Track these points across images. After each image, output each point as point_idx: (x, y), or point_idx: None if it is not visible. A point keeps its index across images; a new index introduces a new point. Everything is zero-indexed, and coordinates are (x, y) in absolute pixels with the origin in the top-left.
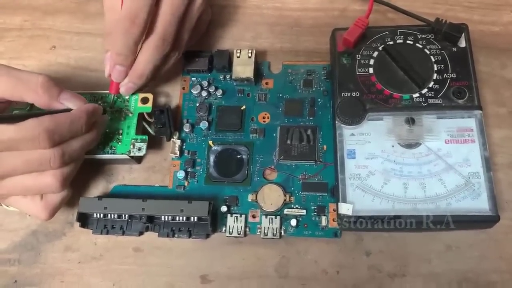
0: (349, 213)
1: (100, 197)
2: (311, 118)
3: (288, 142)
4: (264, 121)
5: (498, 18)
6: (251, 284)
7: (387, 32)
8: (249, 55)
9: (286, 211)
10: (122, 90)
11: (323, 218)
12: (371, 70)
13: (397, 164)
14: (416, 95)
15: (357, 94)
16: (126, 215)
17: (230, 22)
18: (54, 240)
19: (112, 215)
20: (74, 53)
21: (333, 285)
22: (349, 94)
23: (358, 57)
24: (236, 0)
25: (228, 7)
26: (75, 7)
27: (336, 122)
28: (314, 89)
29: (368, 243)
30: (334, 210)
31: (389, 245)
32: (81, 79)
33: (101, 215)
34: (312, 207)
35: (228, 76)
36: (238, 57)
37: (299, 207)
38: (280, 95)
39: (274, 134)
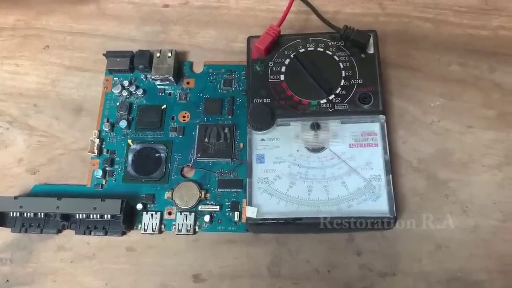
0: (254, 216)
1: (16, 196)
2: (229, 116)
3: (206, 140)
4: (184, 120)
5: (487, 22)
6: (244, 283)
7: (299, 40)
8: (169, 55)
9: (200, 207)
10: None
11: (236, 213)
12: (282, 77)
13: (302, 168)
14: (323, 101)
15: (268, 100)
16: (42, 214)
17: (224, 23)
18: (47, 240)
19: (29, 214)
20: (68, 53)
21: (325, 284)
22: (260, 101)
23: (271, 64)
24: (229, 2)
25: (220, 9)
26: (69, 7)
27: (247, 128)
28: (233, 88)
29: (359, 242)
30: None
31: (380, 244)
32: (73, 79)
33: (18, 214)
34: (227, 203)
35: (149, 76)
36: (158, 57)
37: (214, 203)
38: (201, 94)
39: (193, 133)
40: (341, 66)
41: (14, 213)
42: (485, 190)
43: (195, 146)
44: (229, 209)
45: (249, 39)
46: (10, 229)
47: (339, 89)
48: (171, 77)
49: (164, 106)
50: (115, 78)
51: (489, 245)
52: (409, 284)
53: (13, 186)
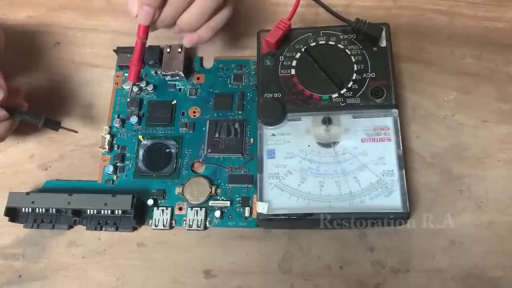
0: (264, 211)
1: (28, 192)
2: (240, 112)
3: (216, 135)
4: (194, 115)
5: (502, 14)
6: (255, 279)
7: (310, 33)
8: (179, 50)
9: (211, 203)
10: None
11: (247, 209)
12: (293, 71)
13: (314, 163)
14: (335, 95)
15: (279, 95)
16: (53, 209)
17: (234, 17)
18: (59, 235)
19: (40, 209)
20: (78, 49)
21: (337, 280)
22: (271, 95)
23: (281, 58)
24: None
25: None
26: (79, 3)
27: (258, 123)
28: (244, 83)
29: (372, 238)
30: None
31: (393, 240)
32: (84, 75)
33: (30, 210)
34: (237, 199)
35: (159, 71)
36: (168, 52)
37: (224, 199)
38: (211, 89)
39: (203, 128)
40: (353, 60)
41: (26, 209)
42: (500, 185)
43: (206, 142)
44: (239, 204)
45: (259, 33)
46: (22, 224)
47: (351, 83)
48: (181, 73)
49: (175, 101)
50: (125, 74)
51: (505, 242)
52: (422, 281)
53: (25, 182)
